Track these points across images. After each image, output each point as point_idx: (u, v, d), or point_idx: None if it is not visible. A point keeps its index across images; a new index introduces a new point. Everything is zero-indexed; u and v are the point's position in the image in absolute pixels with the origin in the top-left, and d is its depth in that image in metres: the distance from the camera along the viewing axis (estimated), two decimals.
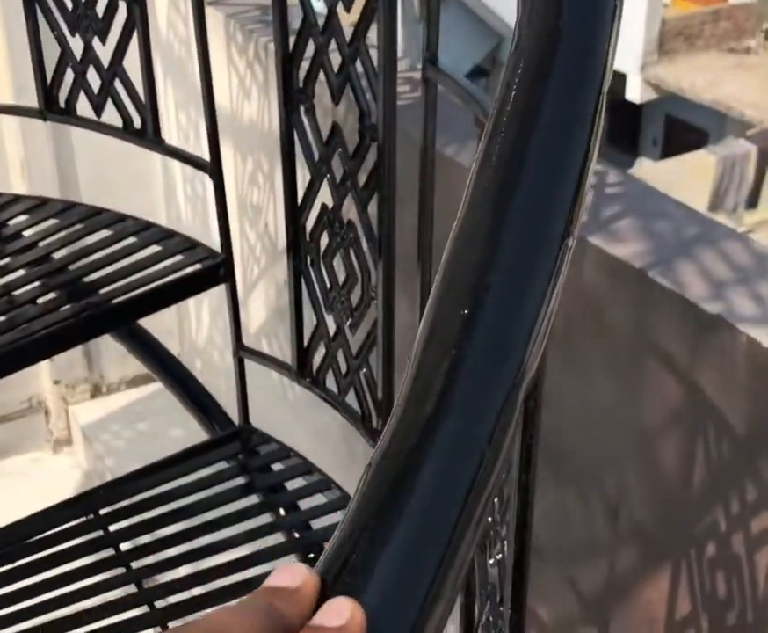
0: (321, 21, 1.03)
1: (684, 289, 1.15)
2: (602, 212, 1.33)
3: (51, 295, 1.23)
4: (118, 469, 1.95)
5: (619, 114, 12.34)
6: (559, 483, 1.38)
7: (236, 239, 1.71)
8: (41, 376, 2.18)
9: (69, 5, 1.23)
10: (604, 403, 1.29)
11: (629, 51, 11.12)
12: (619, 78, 11.40)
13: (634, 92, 11.44)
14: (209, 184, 1.22)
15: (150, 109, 1.22)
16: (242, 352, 1.28)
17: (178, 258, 1.25)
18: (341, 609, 0.38)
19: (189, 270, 1.22)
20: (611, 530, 1.32)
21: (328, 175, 1.06)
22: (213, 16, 1.92)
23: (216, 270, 1.20)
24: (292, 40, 1.07)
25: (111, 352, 2.16)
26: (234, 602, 0.39)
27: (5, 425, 2.21)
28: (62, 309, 1.20)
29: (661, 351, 1.20)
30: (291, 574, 0.40)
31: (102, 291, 1.24)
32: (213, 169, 1.19)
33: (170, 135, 2.02)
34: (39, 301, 1.21)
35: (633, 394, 1.25)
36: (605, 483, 1.32)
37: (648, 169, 11.68)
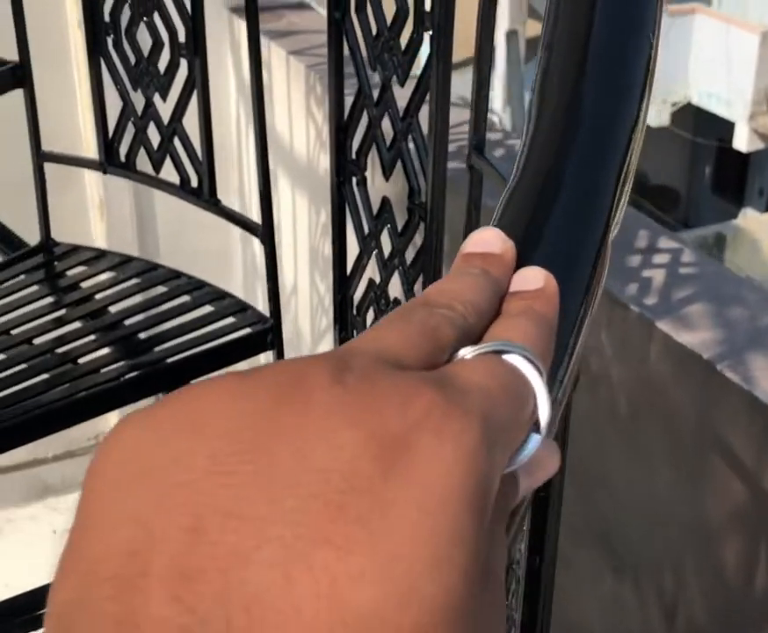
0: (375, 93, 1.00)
1: (753, 386, 1.09)
2: (673, 294, 1.27)
3: (105, 350, 1.22)
4: None
5: (725, 163, 12.12)
6: (617, 573, 1.33)
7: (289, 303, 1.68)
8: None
9: (132, 60, 1.23)
10: (665, 495, 1.23)
11: (738, 100, 10.92)
12: (728, 126, 11.20)
13: (742, 141, 11.22)
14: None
15: (207, 169, 1.20)
16: None
17: (230, 320, 1.23)
18: (536, 275, 0.38)
19: (238, 334, 1.20)
20: (667, 630, 1.25)
21: (376, 250, 1.03)
22: (294, 66, 1.91)
23: (264, 336, 1.17)
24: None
25: None
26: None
27: (73, 460, 2.22)
28: (116, 365, 1.19)
29: (726, 447, 1.14)
30: (492, 239, 0.39)
31: (156, 349, 1.23)
32: (264, 233, 1.17)
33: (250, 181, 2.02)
34: (94, 356, 1.20)
35: (696, 488, 1.19)
36: (664, 578, 1.26)
37: (752, 220, 11.44)
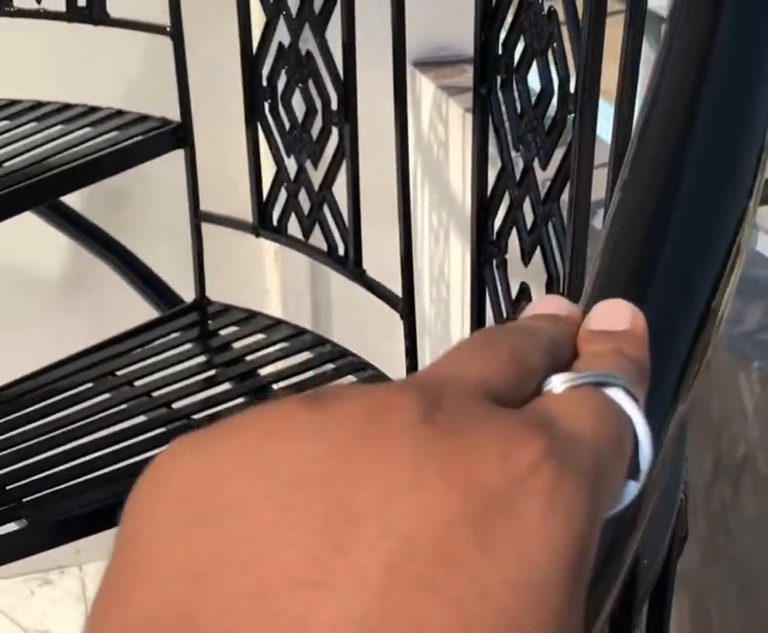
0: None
1: None
2: None
3: None
4: None
5: None
6: None
7: None
8: None
9: (287, 126, 1.22)
10: None
11: None
12: None
13: None
14: None
15: (353, 238, 1.18)
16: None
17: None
18: (623, 310, 0.32)
19: None
20: None
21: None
22: (453, 109, 1.89)
23: None
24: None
25: None
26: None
27: None
28: None
29: None
30: (556, 304, 0.33)
31: None
32: (404, 308, 1.14)
33: (423, 236, 2.00)
34: None
35: None
36: None
37: None
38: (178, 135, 1.29)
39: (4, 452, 1.13)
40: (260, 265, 1.91)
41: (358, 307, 1.47)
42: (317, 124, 1.20)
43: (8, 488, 1.06)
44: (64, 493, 1.05)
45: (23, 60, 1.60)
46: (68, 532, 1.06)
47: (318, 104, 1.18)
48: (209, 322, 1.36)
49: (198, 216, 1.33)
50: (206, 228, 1.35)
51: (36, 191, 1.24)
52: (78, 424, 1.17)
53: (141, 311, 1.46)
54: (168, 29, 1.23)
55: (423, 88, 1.96)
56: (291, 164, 1.24)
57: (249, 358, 1.31)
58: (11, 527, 1.03)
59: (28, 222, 1.40)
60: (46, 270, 1.99)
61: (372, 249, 1.24)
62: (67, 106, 1.34)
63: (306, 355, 1.29)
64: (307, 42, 1.18)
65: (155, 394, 1.22)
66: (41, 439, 1.15)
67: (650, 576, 0.49)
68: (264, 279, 1.97)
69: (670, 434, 0.36)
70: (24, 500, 1.04)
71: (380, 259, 1.25)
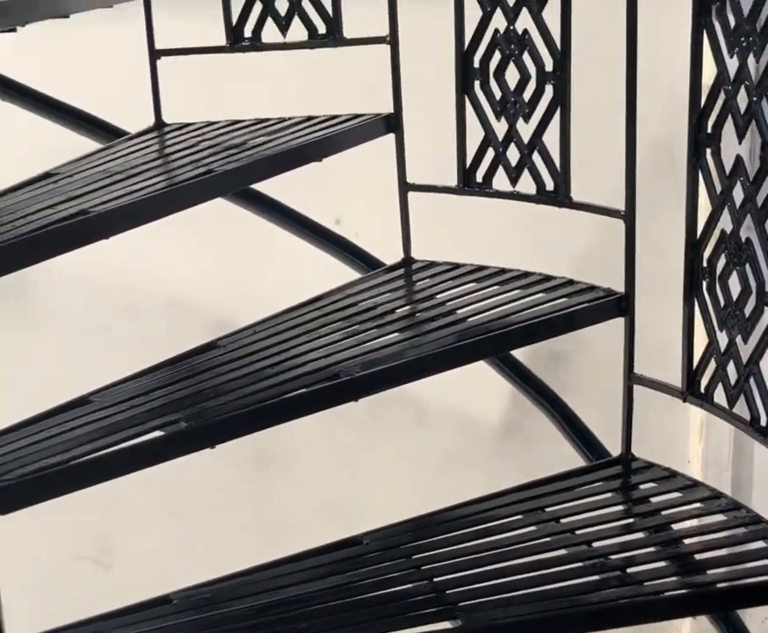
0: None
1: None
2: None
3: (656, 565, 1.32)
4: None
5: None
6: None
7: None
8: None
9: (722, 303, 1.34)
10: None
11: None
12: None
13: None
14: None
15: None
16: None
17: None
18: None
19: None
20: None
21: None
22: None
23: None
24: None
25: None
26: None
27: None
28: (662, 580, 1.28)
29: None
30: None
31: (709, 572, 1.29)
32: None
33: None
34: (644, 568, 1.31)
35: None
36: None
37: None
38: (621, 306, 1.45)
39: (446, 562, 1.31)
40: (685, 433, 2.00)
41: None
42: (751, 302, 1.31)
43: (447, 592, 1.24)
44: (494, 603, 1.21)
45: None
46: None
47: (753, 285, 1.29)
48: (631, 476, 1.49)
49: (630, 378, 1.47)
50: (636, 389, 1.49)
51: (493, 343, 1.43)
52: (507, 548, 1.33)
53: (570, 459, 1.62)
54: (621, 213, 1.40)
55: None
56: (722, 338, 1.35)
57: (665, 512, 1.42)
58: (446, 625, 1.21)
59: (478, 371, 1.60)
60: (489, 415, 2.21)
61: None
62: (525, 274, 1.54)
63: (720, 517, 1.38)
64: (750, 230, 1.30)
65: (578, 532, 1.35)
66: (476, 556, 1.32)
67: None
68: (688, 448, 2.06)
69: None
70: (460, 604, 1.22)
71: None
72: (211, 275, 2.41)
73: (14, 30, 1.17)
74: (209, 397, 1.23)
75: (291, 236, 1.87)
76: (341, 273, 1.72)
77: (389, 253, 1.68)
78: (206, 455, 1.16)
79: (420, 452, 2.49)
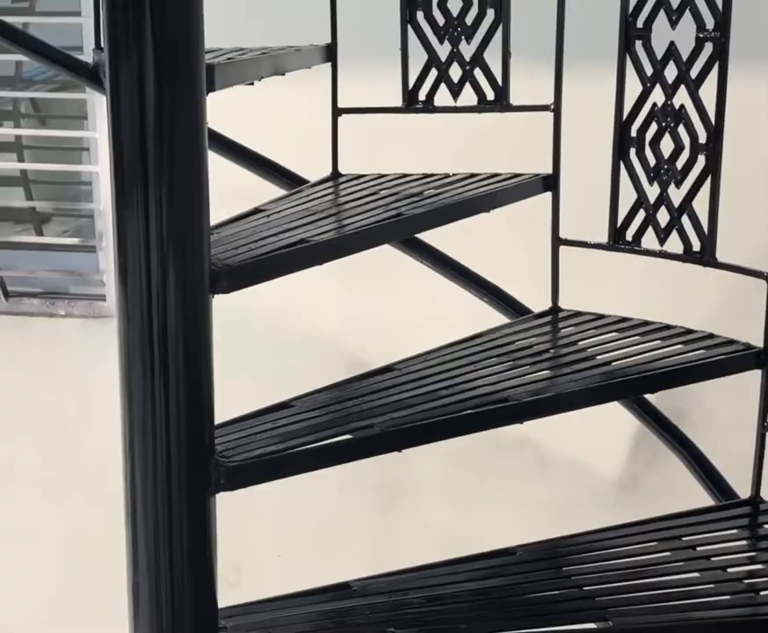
0: None
1: None
2: None
3: None
4: None
5: None
6: None
7: None
8: None
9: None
10: None
11: None
12: None
13: None
14: None
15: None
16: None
17: None
18: None
19: None
20: None
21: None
22: None
23: None
24: None
25: None
26: None
27: None
28: None
29: None
30: None
31: None
32: None
33: None
34: None
35: None
36: None
37: None
38: (759, 359, 1.59)
39: (594, 575, 1.47)
40: None
41: None
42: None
43: (597, 599, 1.40)
44: (642, 610, 1.36)
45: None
46: None
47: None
48: (759, 516, 1.62)
49: (764, 426, 1.61)
50: None
51: (634, 384, 1.59)
52: (649, 567, 1.48)
53: (700, 499, 1.76)
54: (765, 274, 1.55)
55: None
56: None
57: None
58: (592, 626, 1.36)
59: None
60: (608, 467, 2.35)
61: None
62: (667, 327, 1.70)
63: None
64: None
65: (712, 559, 1.49)
66: (621, 572, 1.47)
67: None
68: None
69: None
70: (609, 609, 1.37)
71: None
72: (357, 318, 2.61)
73: (252, 84, 1.37)
74: (394, 409, 1.40)
75: (425, 284, 2.05)
76: (483, 318, 1.89)
77: (533, 301, 1.86)
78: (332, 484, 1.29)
79: (538, 498, 2.63)
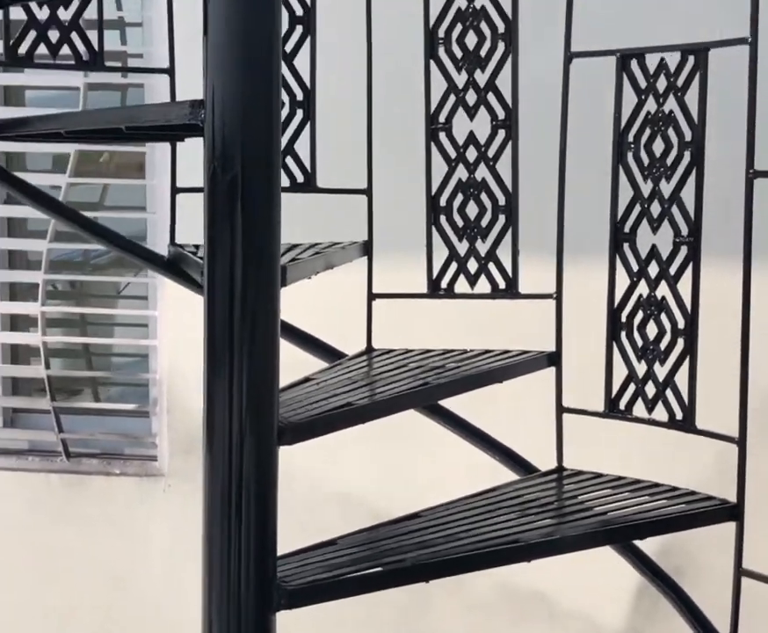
0: None
1: None
2: None
3: None
4: None
5: None
6: None
7: None
8: None
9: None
10: None
11: None
12: None
13: None
14: None
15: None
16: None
17: None
18: None
19: None
20: None
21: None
22: None
23: None
24: None
25: None
26: None
27: None
28: None
29: None
30: None
31: None
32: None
33: None
34: None
35: None
36: None
37: None
38: (734, 512, 1.85)
39: None
40: None
41: None
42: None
43: None
44: None
45: None
46: None
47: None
48: None
49: (740, 571, 1.86)
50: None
51: (625, 532, 1.86)
52: None
53: None
54: (736, 439, 1.80)
55: None
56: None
57: None
58: None
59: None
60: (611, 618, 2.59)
61: None
62: (655, 485, 1.97)
63: None
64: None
65: None
66: None
67: None
68: None
69: None
70: None
71: None
72: (382, 478, 2.91)
73: (310, 278, 1.70)
74: (422, 547, 1.67)
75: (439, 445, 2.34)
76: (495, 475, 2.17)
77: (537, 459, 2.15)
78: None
79: None
